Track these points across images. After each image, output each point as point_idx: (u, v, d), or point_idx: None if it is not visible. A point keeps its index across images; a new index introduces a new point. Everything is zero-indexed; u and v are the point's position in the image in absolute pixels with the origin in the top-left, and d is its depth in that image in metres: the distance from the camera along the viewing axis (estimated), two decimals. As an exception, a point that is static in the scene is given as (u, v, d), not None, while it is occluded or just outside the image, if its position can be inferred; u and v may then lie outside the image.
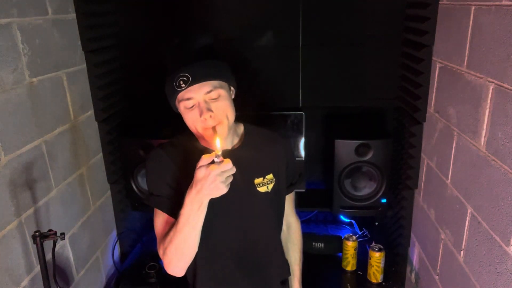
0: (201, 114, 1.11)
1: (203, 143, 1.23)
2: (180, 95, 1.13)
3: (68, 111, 1.67)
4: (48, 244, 1.28)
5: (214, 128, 1.12)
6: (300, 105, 2.07)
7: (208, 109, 1.11)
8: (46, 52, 1.52)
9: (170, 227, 1.14)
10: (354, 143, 1.79)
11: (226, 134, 1.16)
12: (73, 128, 1.70)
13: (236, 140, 1.27)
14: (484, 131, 1.18)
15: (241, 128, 1.30)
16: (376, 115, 2.06)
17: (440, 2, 1.52)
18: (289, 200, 1.42)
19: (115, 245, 2.08)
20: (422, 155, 1.73)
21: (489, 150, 1.15)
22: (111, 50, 1.96)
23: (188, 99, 1.12)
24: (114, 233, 2.10)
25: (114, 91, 1.98)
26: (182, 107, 1.15)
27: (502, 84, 1.08)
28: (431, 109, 1.62)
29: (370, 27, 1.92)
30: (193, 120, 1.14)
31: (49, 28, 1.54)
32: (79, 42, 1.75)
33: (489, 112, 1.15)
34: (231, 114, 1.16)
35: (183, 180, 1.15)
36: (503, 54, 1.07)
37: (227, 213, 1.22)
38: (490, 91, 1.14)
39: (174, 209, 1.15)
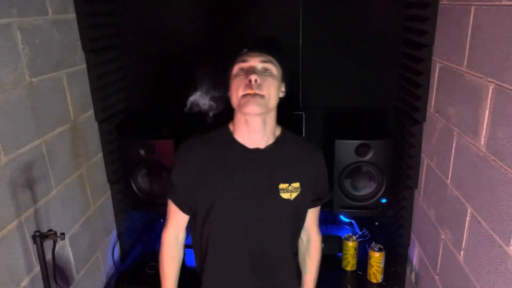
0: (247, 75, 1.14)
1: (236, 136, 1.24)
2: (238, 58, 1.20)
3: (68, 111, 1.67)
4: (48, 244, 1.28)
5: (253, 94, 1.13)
6: (300, 105, 2.07)
7: (257, 74, 1.14)
8: (46, 52, 1.52)
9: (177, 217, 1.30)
10: (354, 143, 1.78)
11: (260, 111, 1.15)
12: (73, 128, 1.70)
13: (271, 141, 1.26)
14: (484, 131, 1.18)
15: (279, 130, 1.29)
16: (376, 115, 2.06)
17: (440, 2, 1.52)
18: (314, 213, 1.40)
19: (115, 245, 2.08)
20: (422, 155, 1.73)
21: (489, 150, 1.15)
22: (111, 50, 1.96)
23: (244, 61, 1.19)
24: (114, 233, 2.10)
25: (114, 91, 1.98)
26: (235, 70, 1.19)
27: (502, 84, 1.08)
28: (431, 109, 1.62)
29: (370, 27, 1.92)
30: (238, 84, 1.16)
31: (49, 28, 1.54)
32: (79, 42, 1.75)
33: (489, 112, 1.15)
34: (274, 95, 1.17)
35: (210, 172, 1.21)
36: (503, 54, 1.07)
37: (245, 212, 1.23)
38: (490, 91, 1.14)
39: (186, 203, 1.27)
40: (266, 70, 1.18)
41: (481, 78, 1.20)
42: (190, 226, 1.36)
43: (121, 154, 1.98)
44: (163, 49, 2.02)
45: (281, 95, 1.23)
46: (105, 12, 1.92)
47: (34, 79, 1.44)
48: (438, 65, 1.55)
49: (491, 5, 1.13)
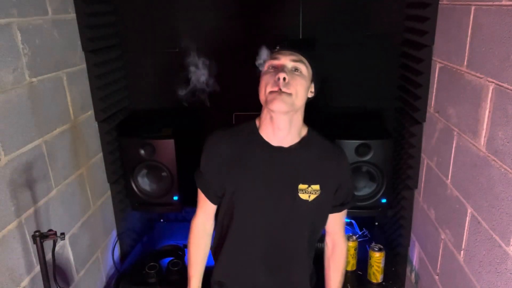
0: (277, 73, 1.15)
1: (262, 133, 1.25)
2: (271, 56, 1.21)
3: (68, 111, 1.67)
4: (48, 244, 1.28)
5: (280, 91, 1.13)
6: (300, 105, 2.06)
7: (286, 72, 1.15)
8: (46, 52, 1.52)
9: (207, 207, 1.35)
10: (354, 143, 1.78)
11: (286, 109, 1.15)
12: (73, 128, 1.70)
13: (295, 140, 1.26)
14: (484, 131, 1.18)
15: (305, 131, 1.29)
16: (376, 115, 2.06)
17: (440, 2, 1.52)
18: (338, 219, 1.40)
19: (115, 245, 2.08)
20: (422, 155, 1.73)
21: (489, 150, 1.15)
22: (111, 50, 1.96)
23: (275, 58, 1.19)
24: (114, 233, 2.10)
25: (114, 91, 1.98)
26: (266, 66, 1.20)
27: (502, 84, 1.08)
28: (431, 109, 1.62)
29: (370, 27, 1.92)
30: (267, 80, 1.17)
31: (49, 28, 1.54)
32: (79, 42, 1.75)
33: (489, 112, 1.15)
34: (301, 95, 1.18)
35: (234, 166, 1.24)
36: (503, 54, 1.07)
37: (262, 208, 1.25)
38: (490, 91, 1.14)
39: (213, 192, 1.30)
40: (296, 69, 1.18)
41: (481, 78, 1.20)
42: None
43: (121, 154, 1.98)
44: (163, 49, 2.02)
45: (310, 95, 1.24)
46: (105, 12, 1.92)
47: (34, 79, 1.44)
48: (438, 65, 1.55)
49: (491, 5, 1.13)
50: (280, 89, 1.13)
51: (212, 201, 1.33)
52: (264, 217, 1.26)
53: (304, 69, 1.19)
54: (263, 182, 1.24)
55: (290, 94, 1.14)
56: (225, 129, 1.31)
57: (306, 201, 1.25)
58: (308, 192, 1.25)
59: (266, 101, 1.17)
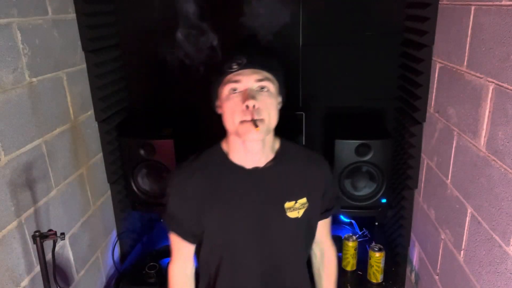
0: (244, 100, 1.02)
1: (232, 157, 1.15)
2: (228, 77, 1.05)
3: (68, 111, 1.67)
4: (48, 244, 1.28)
5: (253, 121, 1.02)
6: (300, 105, 2.07)
7: (254, 97, 1.02)
8: (46, 52, 1.52)
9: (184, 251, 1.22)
10: (354, 143, 1.78)
11: (262, 137, 1.06)
12: (73, 128, 1.70)
13: (270, 157, 1.15)
14: (484, 131, 1.18)
15: (277, 143, 1.19)
16: (376, 115, 2.06)
17: (440, 2, 1.52)
18: (325, 226, 1.31)
19: (115, 245, 2.08)
20: (422, 155, 1.73)
21: (489, 150, 1.15)
22: (111, 50, 1.96)
23: (236, 81, 1.04)
24: (114, 233, 2.10)
25: (114, 91, 1.98)
26: (226, 91, 1.06)
27: (502, 84, 1.08)
28: (431, 109, 1.62)
29: (370, 27, 1.92)
30: (232, 109, 1.04)
31: (49, 28, 1.54)
32: (79, 42, 1.75)
33: (489, 112, 1.15)
34: (273, 116, 1.07)
35: (211, 199, 1.13)
36: (503, 54, 1.07)
37: (252, 236, 1.16)
38: (490, 91, 1.14)
39: (191, 233, 1.18)
40: (262, 88, 1.05)
41: (481, 78, 1.20)
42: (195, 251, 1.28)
43: (121, 154, 1.98)
44: (163, 49, 2.02)
45: (279, 107, 1.12)
46: (105, 12, 1.92)
47: (34, 79, 1.44)
48: (438, 65, 1.55)
49: (491, 5, 1.13)
50: (252, 119, 1.02)
51: (191, 241, 1.21)
52: (255, 246, 1.17)
53: (271, 86, 1.07)
54: (246, 210, 1.14)
55: (262, 120, 1.03)
56: (188, 163, 1.18)
57: (296, 218, 1.16)
58: (296, 209, 1.16)
59: (238, 132, 1.06)
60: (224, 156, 1.16)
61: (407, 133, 1.82)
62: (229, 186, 1.14)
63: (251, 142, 1.08)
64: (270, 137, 1.14)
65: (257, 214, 1.14)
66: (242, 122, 1.04)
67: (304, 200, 1.17)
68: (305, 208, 1.17)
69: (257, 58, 1.07)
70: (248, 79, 1.04)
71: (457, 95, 1.37)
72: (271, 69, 1.08)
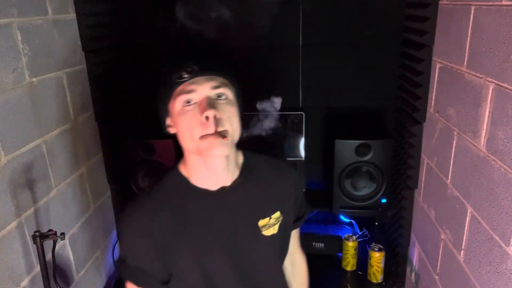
0: (203, 111, 0.90)
1: (195, 181, 1.02)
2: (179, 88, 0.93)
3: (68, 111, 1.67)
4: (48, 244, 1.28)
5: (218, 133, 0.91)
6: (300, 105, 2.07)
7: (213, 106, 0.91)
8: (46, 52, 1.52)
9: None
10: (354, 143, 1.79)
11: (227, 152, 0.95)
12: (73, 128, 1.70)
13: (236, 173, 1.04)
14: (484, 131, 1.18)
15: (240, 157, 1.08)
16: (376, 115, 2.06)
17: (440, 2, 1.52)
18: (295, 236, 1.21)
19: (115, 245, 2.08)
20: (422, 155, 1.73)
21: (489, 150, 1.15)
22: (111, 50, 1.96)
23: (190, 91, 0.92)
24: (114, 233, 2.10)
25: (114, 91, 1.98)
26: (178, 104, 0.93)
27: (502, 84, 1.08)
28: (431, 109, 1.62)
29: (370, 27, 1.92)
30: (189, 123, 0.92)
31: (49, 28, 1.54)
32: (79, 42, 1.75)
33: (489, 112, 1.15)
34: (237, 127, 0.96)
35: (177, 232, 0.99)
36: (503, 54, 1.07)
37: (231, 265, 1.04)
38: (490, 91, 1.14)
39: (158, 278, 1.00)
40: (219, 96, 0.94)
41: (481, 78, 1.20)
42: None
43: (121, 154, 1.98)
44: (163, 49, 2.02)
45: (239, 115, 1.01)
46: (105, 12, 1.92)
47: (34, 79, 1.44)
48: (438, 65, 1.55)
49: (491, 5, 1.13)
50: (216, 131, 0.90)
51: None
52: (234, 275, 1.05)
53: (229, 93, 0.96)
54: (218, 238, 1.02)
55: (226, 131, 0.92)
56: (145, 197, 1.03)
57: (273, 235, 1.06)
58: (272, 225, 1.06)
59: (200, 150, 0.93)
60: (185, 181, 1.02)
61: (407, 133, 1.82)
62: (196, 217, 1.01)
63: (214, 159, 0.96)
64: (234, 151, 1.03)
65: (231, 240, 1.02)
66: (203, 136, 0.91)
67: (277, 214, 1.07)
68: (280, 222, 1.08)
69: (210, 63, 0.96)
70: (203, 88, 0.92)
71: (457, 95, 1.37)
72: (227, 73, 0.97)
